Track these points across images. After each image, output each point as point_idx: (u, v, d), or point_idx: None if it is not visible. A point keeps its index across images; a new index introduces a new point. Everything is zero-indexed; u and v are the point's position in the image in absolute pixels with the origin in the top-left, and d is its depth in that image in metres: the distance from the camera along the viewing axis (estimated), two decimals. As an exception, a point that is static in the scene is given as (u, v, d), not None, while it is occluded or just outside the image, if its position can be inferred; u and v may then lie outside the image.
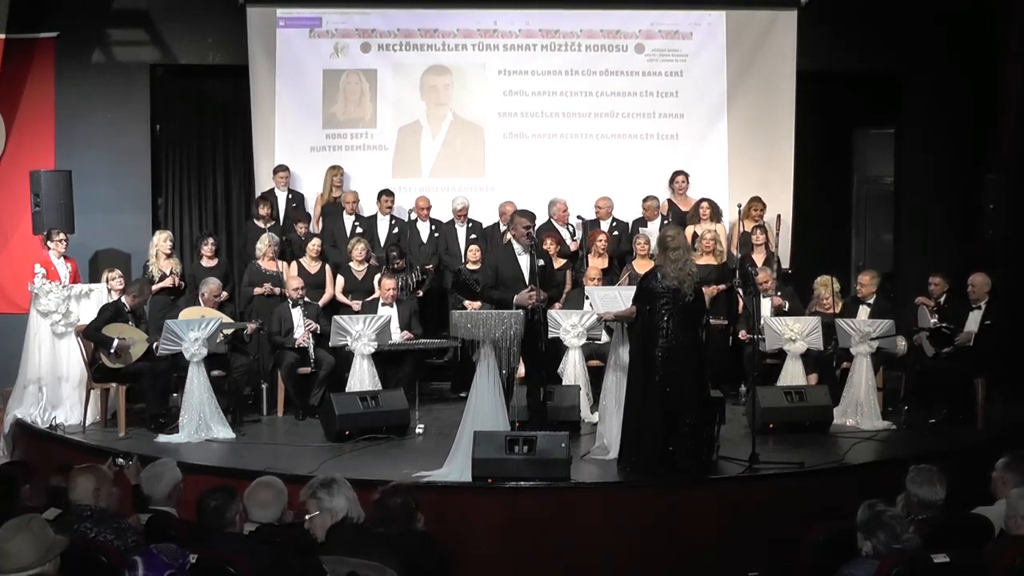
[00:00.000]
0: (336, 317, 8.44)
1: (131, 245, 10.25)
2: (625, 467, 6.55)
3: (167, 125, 10.99)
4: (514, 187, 10.41)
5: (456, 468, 6.40)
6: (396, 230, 9.99)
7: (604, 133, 10.71)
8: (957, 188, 10.50)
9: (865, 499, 4.06)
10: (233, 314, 9.01)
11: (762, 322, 8.45)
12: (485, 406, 6.51)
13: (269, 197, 10.04)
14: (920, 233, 10.77)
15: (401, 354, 8.72)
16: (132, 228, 10.34)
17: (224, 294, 8.84)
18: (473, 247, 9.69)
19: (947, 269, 8.93)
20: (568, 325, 8.32)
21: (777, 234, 9.93)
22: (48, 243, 8.99)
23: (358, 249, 9.40)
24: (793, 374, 8.36)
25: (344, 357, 8.45)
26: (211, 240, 9.48)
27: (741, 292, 9.05)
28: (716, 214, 9.95)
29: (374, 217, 10.07)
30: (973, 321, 8.30)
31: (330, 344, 8.42)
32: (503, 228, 9.75)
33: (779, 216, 9.98)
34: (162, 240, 9.26)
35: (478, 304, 8.57)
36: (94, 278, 9.56)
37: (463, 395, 7.66)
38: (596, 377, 8.01)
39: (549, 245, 9.16)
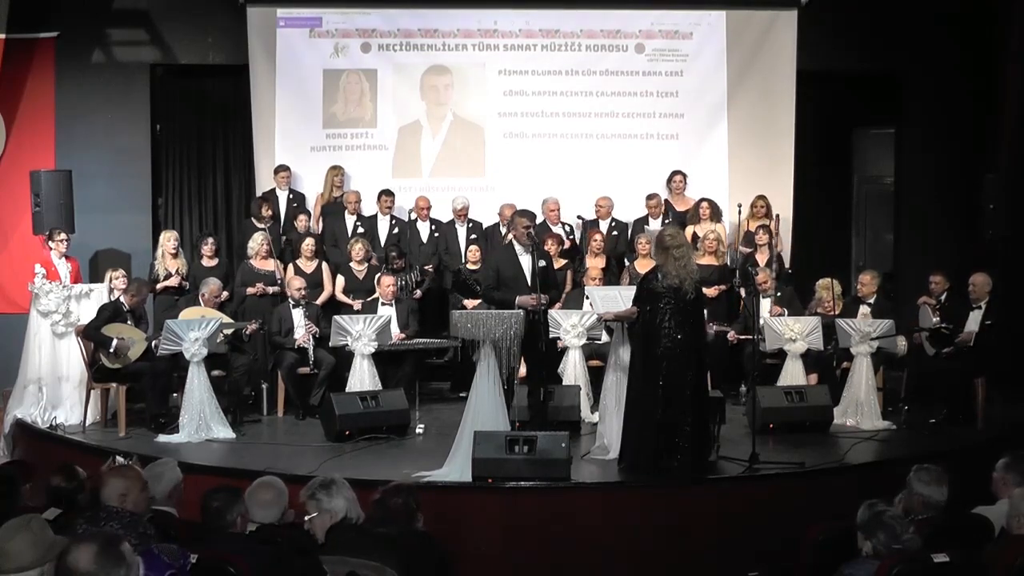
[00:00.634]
0: (336, 317, 8.44)
1: (131, 245, 10.26)
2: (625, 467, 6.55)
3: (167, 125, 10.99)
4: (514, 187, 10.42)
5: (456, 468, 6.40)
6: (396, 230, 10.00)
7: (604, 133, 10.72)
8: (957, 188, 10.49)
9: (865, 499, 4.06)
10: (229, 314, 9.00)
11: (762, 322, 8.45)
12: (485, 406, 6.51)
13: (270, 197, 10.04)
14: (920, 233, 10.77)
15: (401, 354, 8.72)
16: (132, 228, 10.36)
17: (225, 294, 8.85)
18: (473, 247, 9.69)
19: (947, 269, 8.93)
20: (568, 325, 8.32)
21: (776, 234, 9.92)
22: (50, 243, 9.00)
23: (357, 249, 9.40)
24: (793, 374, 8.36)
25: (344, 357, 8.44)
26: (211, 240, 9.48)
27: (743, 292, 9.04)
28: (716, 214, 9.96)
29: (375, 217, 10.07)
30: (973, 321, 8.29)
31: (330, 344, 8.41)
32: (503, 229, 9.76)
33: (777, 216, 9.99)
34: (168, 240, 9.28)
35: (477, 303, 8.57)
36: (94, 278, 9.57)
37: (463, 395, 7.65)
38: (596, 377, 8.01)
39: (550, 246, 9.17)
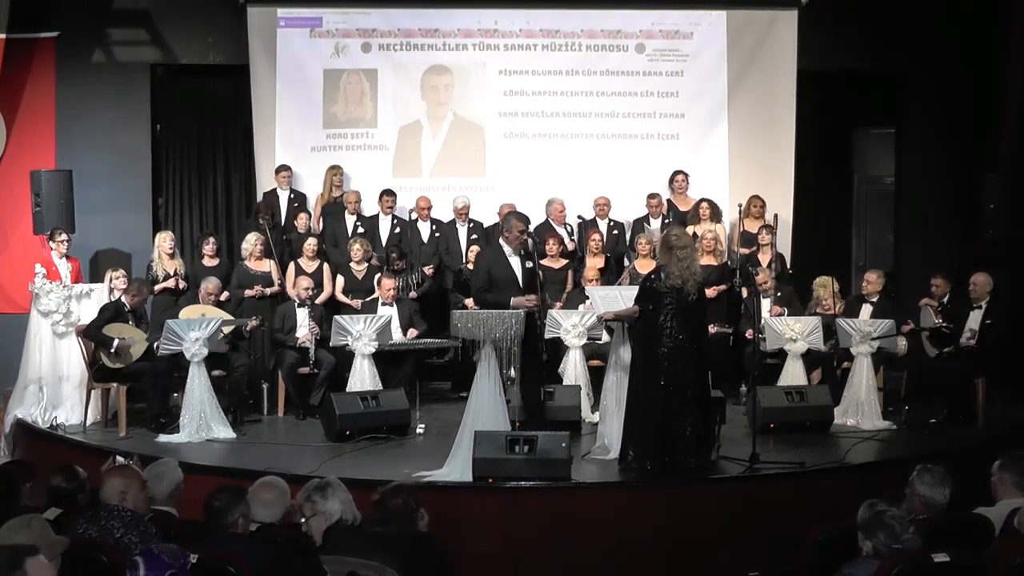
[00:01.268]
0: (337, 317, 8.43)
1: (131, 245, 10.25)
2: (625, 467, 6.55)
3: (167, 125, 10.99)
4: (514, 187, 10.42)
5: (456, 468, 6.40)
6: (397, 230, 10.00)
7: (604, 133, 10.71)
8: (957, 188, 10.50)
9: (865, 499, 4.06)
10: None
11: (762, 322, 8.45)
12: (486, 406, 6.51)
13: (271, 197, 10.03)
14: (920, 233, 10.77)
15: (402, 354, 8.72)
16: (132, 228, 10.35)
17: (225, 294, 8.84)
18: (474, 247, 9.68)
19: (947, 269, 8.93)
20: (568, 325, 8.32)
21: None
22: (50, 243, 9.00)
23: (356, 249, 9.40)
24: (794, 374, 8.35)
25: (345, 357, 8.44)
26: (212, 240, 9.48)
27: (744, 292, 9.04)
28: (716, 214, 9.95)
29: (375, 217, 10.07)
30: (974, 321, 8.30)
31: (331, 344, 8.41)
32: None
33: (776, 216, 9.98)
34: (163, 241, 9.27)
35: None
36: (94, 278, 9.57)
37: (463, 395, 7.64)
38: (596, 377, 8.01)
39: (551, 246, 9.16)
